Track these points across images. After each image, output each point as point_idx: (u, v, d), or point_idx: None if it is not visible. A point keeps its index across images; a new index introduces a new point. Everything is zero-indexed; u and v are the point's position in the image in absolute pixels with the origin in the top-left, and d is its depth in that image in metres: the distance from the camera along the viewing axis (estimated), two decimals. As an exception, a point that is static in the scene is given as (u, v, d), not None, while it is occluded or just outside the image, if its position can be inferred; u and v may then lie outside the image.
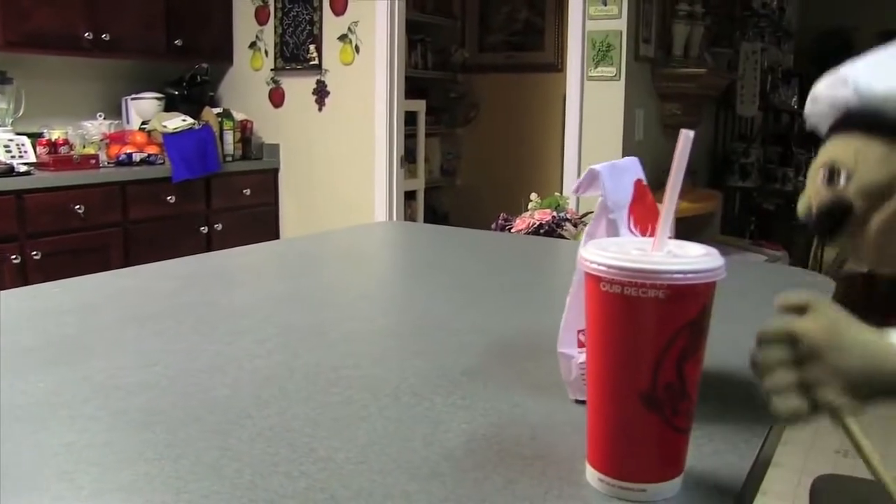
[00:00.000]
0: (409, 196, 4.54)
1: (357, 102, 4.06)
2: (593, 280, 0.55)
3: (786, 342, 0.58)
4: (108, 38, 3.75)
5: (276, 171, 4.40)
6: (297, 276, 1.41)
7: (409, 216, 4.55)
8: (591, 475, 0.60)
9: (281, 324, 1.04)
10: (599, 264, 0.54)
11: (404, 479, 0.60)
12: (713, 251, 0.56)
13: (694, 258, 0.55)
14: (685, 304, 0.54)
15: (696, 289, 0.54)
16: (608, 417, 0.58)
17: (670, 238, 0.69)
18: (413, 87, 4.82)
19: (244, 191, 4.21)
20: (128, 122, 4.08)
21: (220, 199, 4.08)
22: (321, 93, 4.18)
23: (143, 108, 4.05)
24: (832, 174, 0.66)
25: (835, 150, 0.67)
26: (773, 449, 0.75)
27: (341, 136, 4.14)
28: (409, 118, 4.45)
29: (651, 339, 0.54)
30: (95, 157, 3.66)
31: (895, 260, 0.68)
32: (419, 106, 4.70)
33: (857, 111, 0.67)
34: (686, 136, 0.57)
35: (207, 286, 1.26)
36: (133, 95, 4.08)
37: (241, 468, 0.61)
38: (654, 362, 0.54)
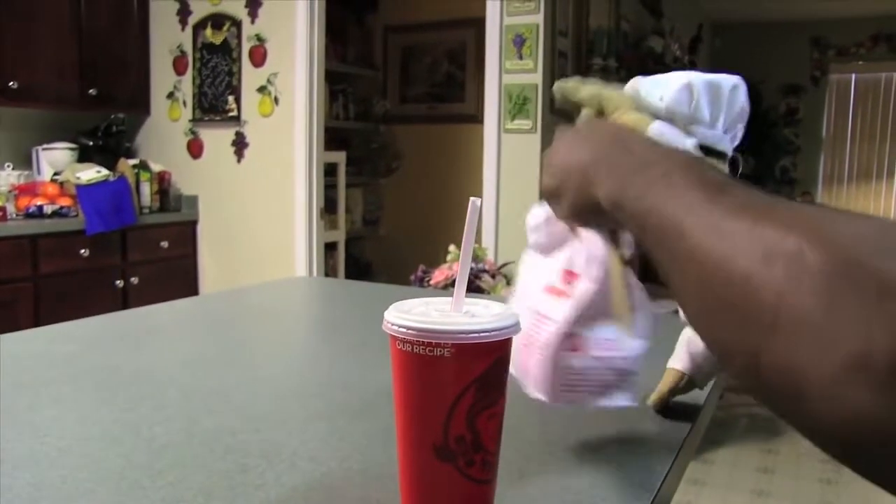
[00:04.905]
0: (331, 247, 4.53)
1: (276, 154, 4.06)
2: (392, 339, 0.59)
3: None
4: (16, 86, 3.66)
5: (194, 222, 4.34)
6: (205, 337, 1.39)
7: (331, 267, 4.54)
8: None
9: (183, 387, 1.02)
10: (393, 325, 0.58)
11: (294, 550, 0.60)
12: (508, 311, 0.60)
13: (481, 318, 0.58)
14: (471, 362, 0.57)
15: (481, 347, 0.57)
16: (408, 467, 0.61)
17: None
18: (335, 137, 4.84)
19: (162, 243, 4.14)
20: (39, 172, 3.98)
21: (136, 253, 4.00)
22: (240, 144, 4.16)
23: (56, 158, 3.96)
24: None
25: None
26: (673, 489, 0.77)
27: (261, 187, 4.12)
28: (330, 169, 4.46)
29: (440, 395, 0.58)
30: (3, 208, 3.56)
31: None
32: (339, 157, 4.71)
33: None
34: (473, 205, 0.61)
35: (111, 349, 1.24)
36: (45, 145, 3.99)
37: (127, 544, 0.60)
38: (445, 416, 0.58)
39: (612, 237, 0.69)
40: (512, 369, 0.76)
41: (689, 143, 0.74)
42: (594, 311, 0.71)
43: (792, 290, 0.38)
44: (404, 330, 0.57)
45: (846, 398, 0.35)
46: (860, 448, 0.36)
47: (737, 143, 0.79)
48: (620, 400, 0.75)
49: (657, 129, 0.73)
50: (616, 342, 0.73)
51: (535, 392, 0.74)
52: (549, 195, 0.68)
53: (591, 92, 0.77)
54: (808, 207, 0.43)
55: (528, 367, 0.74)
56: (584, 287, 0.72)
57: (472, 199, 0.60)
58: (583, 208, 0.63)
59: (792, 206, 0.43)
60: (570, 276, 0.73)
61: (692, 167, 0.53)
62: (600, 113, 0.76)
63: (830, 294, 0.37)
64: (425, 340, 0.56)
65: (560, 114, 3.89)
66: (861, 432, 0.35)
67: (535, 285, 0.75)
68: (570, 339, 0.72)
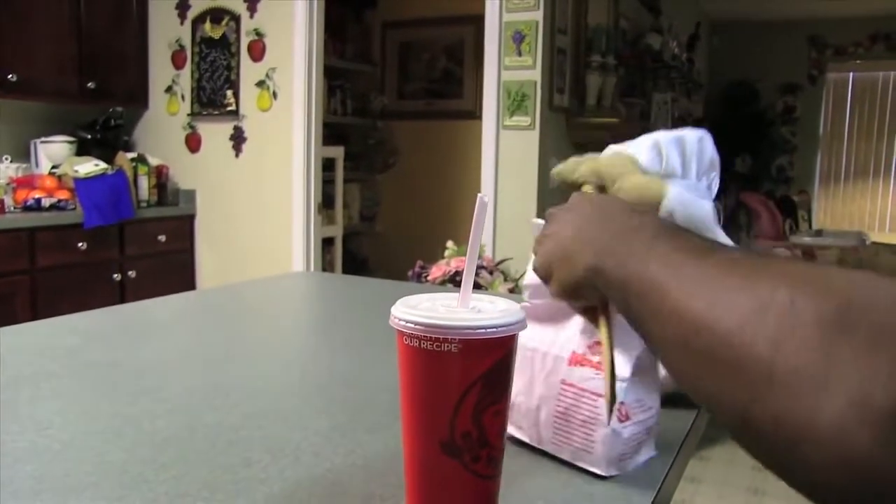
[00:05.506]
0: (328, 242, 4.53)
1: (274, 149, 4.05)
2: (399, 335, 0.59)
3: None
4: (15, 79, 3.65)
5: (192, 217, 4.34)
6: (205, 332, 1.39)
7: (328, 262, 4.53)
8: None
9: (185, 382, 1.02)
10: (401, 320, 0.58)
11: (299, 544, 0.60)
12: (514, 307, 0.60)
13: (488, 314, 0.58)
14: (478, 358, 0.57)
15: (488, 343, 0.57)
16: (414, 462, 0.62)
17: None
18: (332, 132, 4.83)
19: (159, 237, 4.14)
20: (37, 165, 3.97)
21: (134, 246, 3.99)
22: (238, 139, 4.15)
23: (54, 151, 3.95)
24: None
25: None
26: (674, 487, 0.78)
27: (258, 182, 4.12)
28: (328, 164, 4.45)
29: (447, 390, 0.58)
30: (1, 201, 3.55)
31: None
32: (337, 153, 4.70)
33: None
34: (481, 201, 0.62)
35: (112, 342, 1.24)
36: (43, 138, 3.97)
37: (131, 537, 0.60)
38: (451, 412, 0.58)
39: (602, 312, 0.68)
40: (534, 440, 0.77)
41: (707, 206, 0.74)
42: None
43: (786, 341, 0.39)
44: (412, 325, 0.57)
45: (846, 443, 0.36)
46: (858, 492, 0.37)
47: (714, 191, 0.80)
48: (646, 453, 0.77)
49: (676, 192, 0.73)
50: (645, 401, 0.75)
51: (593, 466, 0.73)
52: (541, 276, 0.68)
53: (589, 168, 0.76)
54: (796, 262, 0.44)
55: (570, 441, 0.74)
56: (626, 358, 0.72)
57: (479, 195, 0.60)
58: (569, 284, 0.64)
59: (780, 261, 0.45)
60: (599, 346, 0.72)
61: (675, 232, 0.54)
62: (601, 188, 0.75)
63: (826, 343, 0.38)
64: (433, 336, 0.57)
65: (560, 111, 3.89)
66: (861, 476, 0.36)
67: (553, 357, 0.75)
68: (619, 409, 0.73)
